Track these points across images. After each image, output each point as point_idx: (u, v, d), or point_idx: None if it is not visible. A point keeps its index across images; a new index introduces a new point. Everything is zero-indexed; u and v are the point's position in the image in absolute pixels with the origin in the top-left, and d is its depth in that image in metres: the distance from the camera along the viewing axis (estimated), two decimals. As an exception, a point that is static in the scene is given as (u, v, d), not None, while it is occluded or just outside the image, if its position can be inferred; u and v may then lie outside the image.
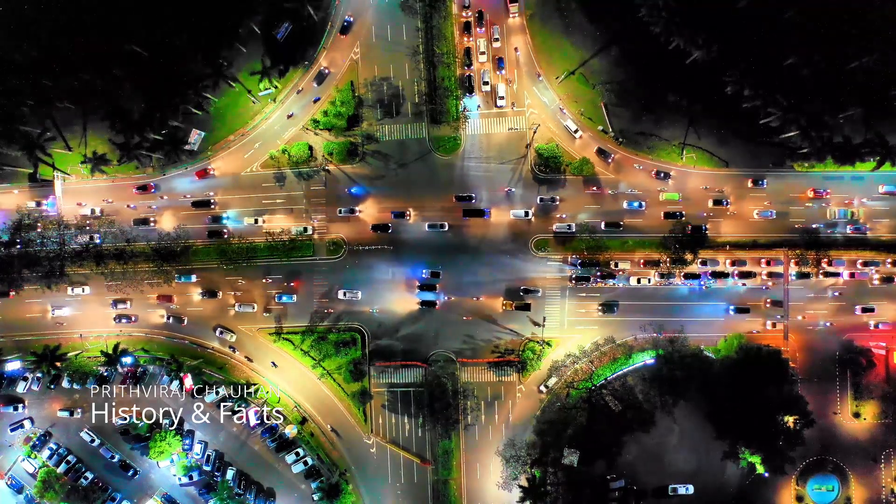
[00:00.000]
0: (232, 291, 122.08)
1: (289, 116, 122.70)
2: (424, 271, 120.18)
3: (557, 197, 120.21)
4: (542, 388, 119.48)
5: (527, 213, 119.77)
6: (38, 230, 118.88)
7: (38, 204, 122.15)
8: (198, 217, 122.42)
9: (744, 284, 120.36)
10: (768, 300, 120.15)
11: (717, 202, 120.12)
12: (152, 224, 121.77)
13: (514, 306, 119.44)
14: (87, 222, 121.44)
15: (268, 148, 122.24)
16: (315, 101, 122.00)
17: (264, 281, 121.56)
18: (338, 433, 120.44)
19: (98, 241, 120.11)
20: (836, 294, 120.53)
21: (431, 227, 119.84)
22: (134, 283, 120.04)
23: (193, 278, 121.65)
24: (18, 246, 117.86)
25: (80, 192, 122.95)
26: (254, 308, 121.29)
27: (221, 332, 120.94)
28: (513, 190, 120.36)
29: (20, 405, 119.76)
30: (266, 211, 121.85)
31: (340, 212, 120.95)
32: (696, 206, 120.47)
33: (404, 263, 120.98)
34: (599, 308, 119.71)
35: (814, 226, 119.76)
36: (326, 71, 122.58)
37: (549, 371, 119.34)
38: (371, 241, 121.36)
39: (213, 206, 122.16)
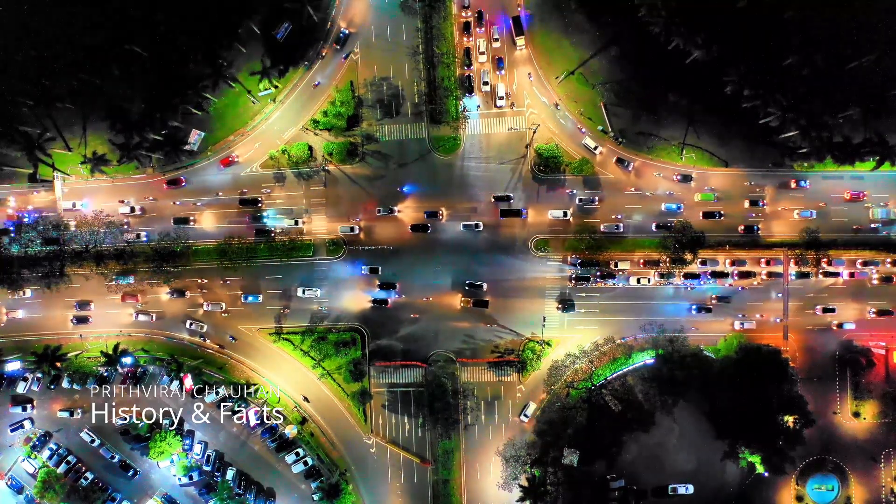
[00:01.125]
0: (199, 290, 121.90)
1: (315, 85, 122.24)
2: (364, 268, 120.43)
3: (596, 197, 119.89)
4: (523, 416, 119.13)
5: (565, 214, 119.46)
6: (74, 230, 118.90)
7: (73, 205, 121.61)
8: (241, 214, 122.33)
9: (733, 287, 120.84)
10: (713, 297, 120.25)
11: (754, 202, 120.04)
12: (192, 223, 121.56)
13: (472, 303, 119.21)
14: (125, 221, 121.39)
15: (267, 148, 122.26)
16: (345, 58, 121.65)
17: (198, 281, 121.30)
18: (307, 399, 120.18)
19: (145, 238, 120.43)
20: (779, 295, 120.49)
21: (466, 227, 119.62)
22: (133, 283, 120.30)
23: (131, 279, 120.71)
24: (58, 245, 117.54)
25: (79, 192, 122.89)
26: (222, 307, 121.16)
27: (192, 324, 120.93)
28: (575, 192, 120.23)
29: (28, 405, 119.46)
30: (307, 211, 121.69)
31: (380, 211, 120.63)
32: (733, 207, 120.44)
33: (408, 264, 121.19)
34: (558, 307, 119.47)
35: (873, 225, 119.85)
36: (346, 32, 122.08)
37: (530, 395, 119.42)
38: (371, 242, 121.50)
39: (259, 205, 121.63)
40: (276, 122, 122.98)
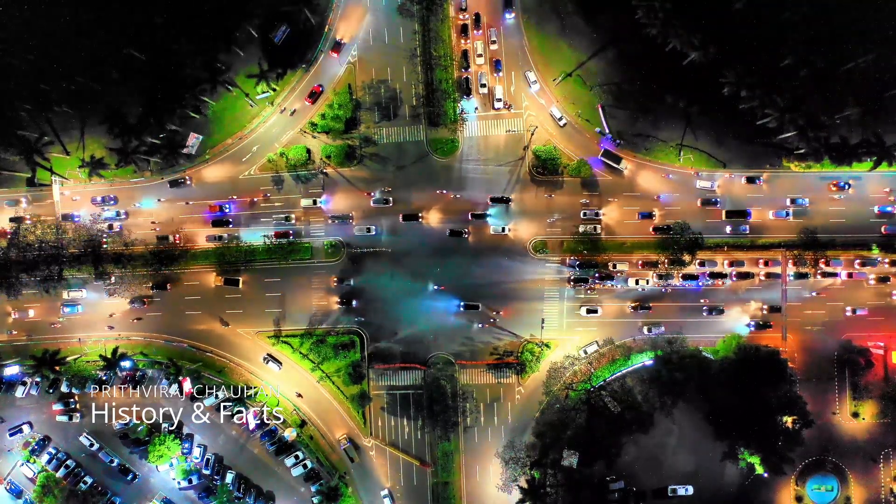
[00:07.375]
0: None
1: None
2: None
3: (808, 199, 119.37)
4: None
5: (788, 214, 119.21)
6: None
7: (314, 202, 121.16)
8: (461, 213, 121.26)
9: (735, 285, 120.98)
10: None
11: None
12: (420, 220, 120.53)
13: (223, 281, 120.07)
14: (349, 215, 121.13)
15: (265, 151, 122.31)
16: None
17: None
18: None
19: (376, 232, 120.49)
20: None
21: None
22: (133, 285, 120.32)
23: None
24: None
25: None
26: (30, 314, 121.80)
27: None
28: (793, 198, 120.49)
29: (70, 400, 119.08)
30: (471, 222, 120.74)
31: (552, 217, 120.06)
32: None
33: (407, 267, 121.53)
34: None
35: None
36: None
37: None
38: (370, 244, 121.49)
39: (510, 203, 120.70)
40: (273, 125, 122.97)
